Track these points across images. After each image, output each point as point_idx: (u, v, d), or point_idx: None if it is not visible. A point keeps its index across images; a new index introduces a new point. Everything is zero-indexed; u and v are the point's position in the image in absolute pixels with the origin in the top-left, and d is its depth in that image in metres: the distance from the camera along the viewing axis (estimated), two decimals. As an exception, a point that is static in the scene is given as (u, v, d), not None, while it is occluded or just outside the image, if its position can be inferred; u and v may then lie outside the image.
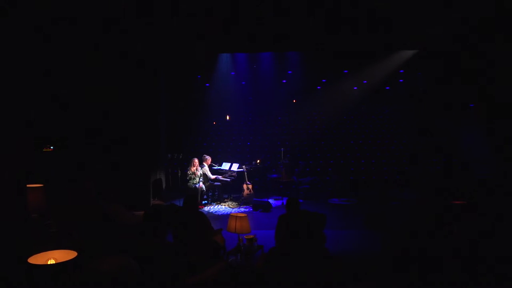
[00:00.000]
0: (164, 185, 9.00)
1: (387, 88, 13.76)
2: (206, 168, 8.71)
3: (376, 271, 3.78)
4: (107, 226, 4.16)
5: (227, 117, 11.91)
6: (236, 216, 4.84)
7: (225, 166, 9.31)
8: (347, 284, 1.75)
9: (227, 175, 9.04)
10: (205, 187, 8.55)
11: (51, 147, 8.02)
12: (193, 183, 8.35)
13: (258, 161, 10.08)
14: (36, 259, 2.01)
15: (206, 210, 8.12)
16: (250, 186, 8.61)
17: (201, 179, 8.47)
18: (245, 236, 4.84)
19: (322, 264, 3.10)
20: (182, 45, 9.12)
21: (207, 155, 9.07)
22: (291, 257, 3.08)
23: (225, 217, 7.29)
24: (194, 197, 4.76)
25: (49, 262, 1.99)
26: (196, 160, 8.50)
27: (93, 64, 6.92)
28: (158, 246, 3.38)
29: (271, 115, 13.90)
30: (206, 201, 8.77)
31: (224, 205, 8.53)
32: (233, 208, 8.21)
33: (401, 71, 12.91)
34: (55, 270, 1.90)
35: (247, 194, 8.54)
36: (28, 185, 3.48)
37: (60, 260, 2.00)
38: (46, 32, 6.07)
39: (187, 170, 8.46)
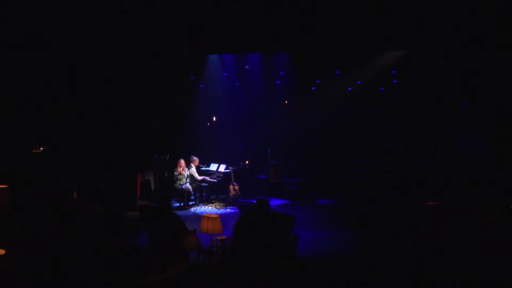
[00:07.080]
0: (152, 186, 9.04)
1: (382, 88, 13.71)
2: (193, 169, 8.75)
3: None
4: (76, 226, 4.22)
5: (214, 118, 11.92)
6: (208, 217, 4.87)
7: (213, 167, 9.34)
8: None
9: (214, 176, 9.07)
10: (192, 188, 8.58)
11: (41, 148, 8.14)
12: (180, 184, 8.39)
13: (246, 162, 10.08)
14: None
15: (193, 210, 8.15)
16: (236, 187, 8.62)
17: (188, 180, 8.51)
18: (217, 237, 4.88)
19: (277, 264, 3.12)
20: (172, 44, 9.18)
21: (200, 156, 9.10)
22: (245, 256, 3.10)
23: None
24: (168, 198, 4.79)
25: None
26: (183, 161, 8.54)
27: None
28: (118, 246, 3.44)
29: (265, 116, 13.91)
30: (193, 202, 8.80)
31: (211, 206, 8.55)
32: (219, 209, 8.23)
33: (393, 71, 12.84)
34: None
35: (233, 195, 8.55)
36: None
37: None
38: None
39: (174, 171, 8.52)
